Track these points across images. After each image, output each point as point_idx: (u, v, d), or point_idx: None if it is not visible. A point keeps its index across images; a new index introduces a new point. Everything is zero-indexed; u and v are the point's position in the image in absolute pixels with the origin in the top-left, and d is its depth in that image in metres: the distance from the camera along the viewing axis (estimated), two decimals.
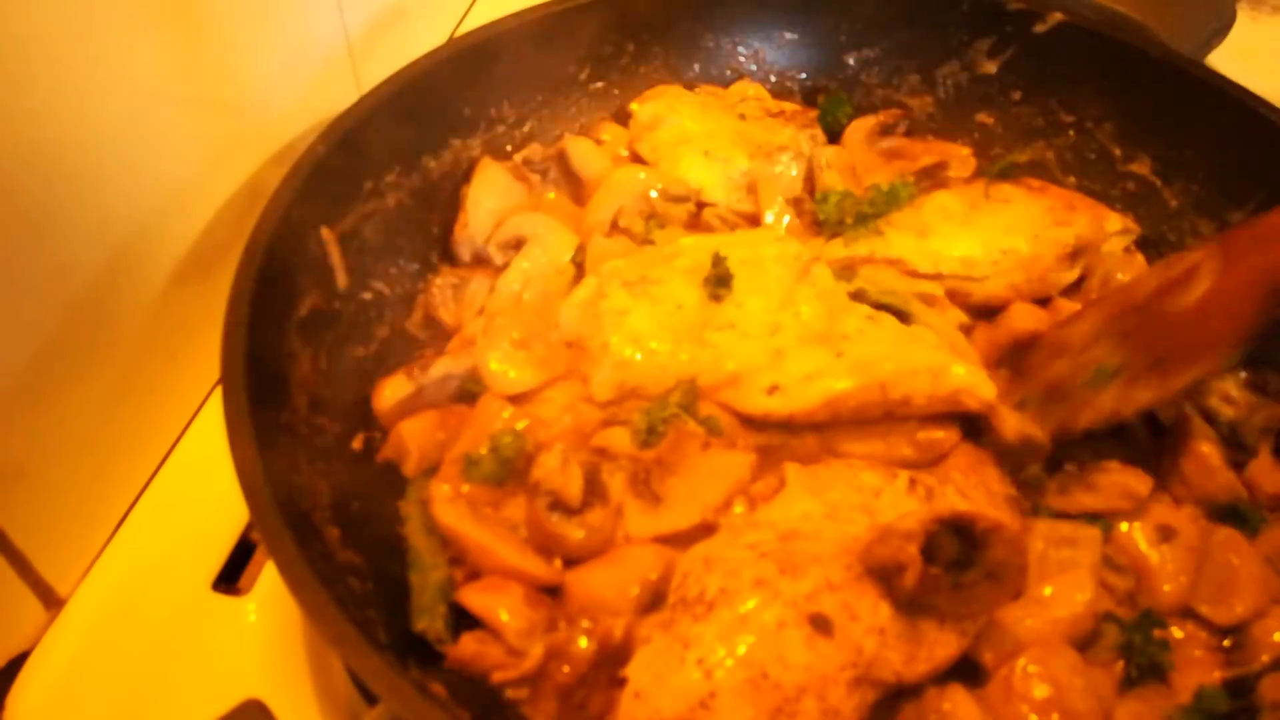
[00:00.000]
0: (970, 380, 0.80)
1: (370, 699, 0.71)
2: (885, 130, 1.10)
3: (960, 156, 1.08)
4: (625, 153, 1.06)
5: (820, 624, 0.64)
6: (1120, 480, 0.78)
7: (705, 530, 0.74)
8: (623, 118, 1.09)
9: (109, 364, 0.80)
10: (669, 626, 0.66)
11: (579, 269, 0.93)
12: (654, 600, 0.70)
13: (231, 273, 0.73)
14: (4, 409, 0.71)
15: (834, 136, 1.10)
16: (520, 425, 0.80)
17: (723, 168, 1.01)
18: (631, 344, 0.82)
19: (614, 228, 0.97)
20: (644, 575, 0.71)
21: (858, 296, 0.88)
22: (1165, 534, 0.76)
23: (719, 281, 0.85)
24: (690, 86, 1.12)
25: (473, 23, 1.29)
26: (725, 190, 1.01)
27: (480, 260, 0.96)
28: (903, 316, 0.87)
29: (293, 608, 0.73)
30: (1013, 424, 0.79)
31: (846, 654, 0.64)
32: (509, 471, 0.77)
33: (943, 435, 0.81)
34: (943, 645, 0.67)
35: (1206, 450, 0.80)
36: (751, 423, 0.81)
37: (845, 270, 0.92)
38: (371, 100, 0.89)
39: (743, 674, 0.62)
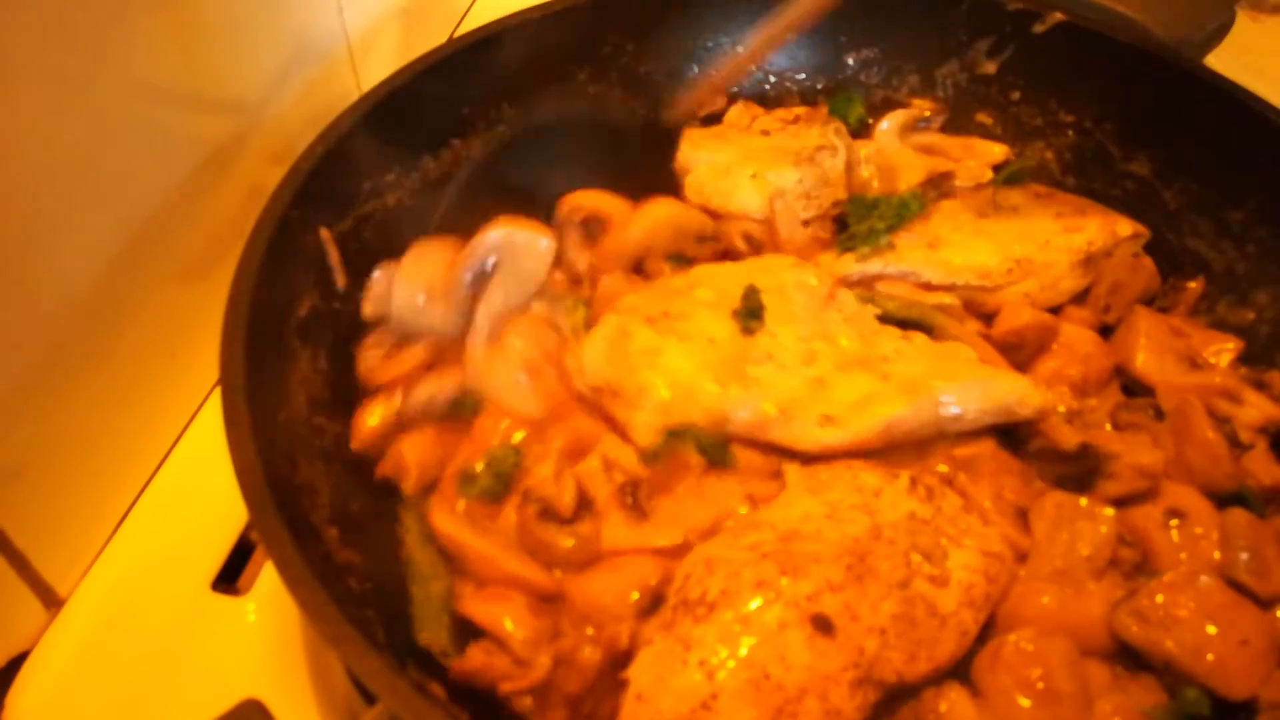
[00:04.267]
0: (1021, 389, 0.79)
1: (369, 699, 0.71)
2: (918, 125, 1.09)
3: (992, 154, 1.07)
4: None
5: (822, 624, 0.64)
6: (1133, 462, 0.77)
7: (685, 549, 0.73)
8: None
9: (109, 364, 0.81)
10: (670, 628, 0.66)
11: (589, 309, 0.88)
12: (655, 604, 0.70)
13: (231, 273, 0.73)
14: (4, 409, 0.71)
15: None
16: (518, 437, 0.79)
17: (775, 182, 0.98)
18: (672, 385, 0.78)
19: (636, 270, 0.93)
20: (644, 580, 0.70)
21: (881, 316, 0.87)
22: (1173, 515, 0.76)
23: (751, 314, 0.81)
24: (690, 87, 1.12)
25: (473, 23, 1.29)
26: (786, 205, 0.98)
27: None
28: (927, 332, 0.86)
29: (292, 608, 0.73)
30: (1067, 433, 0.79)
31: (848, 654, 0.64)
32: (506, 487, 0.76)
33: (979, 449, 0.80)
34: (943, 644, 0.67)
35: (1212, 438, 0.79)
36: (808, 458, 0.78)
37: (859, 288, 0.91)
38: (371, 100, 0.89)
39: (744, 675, 0.62)
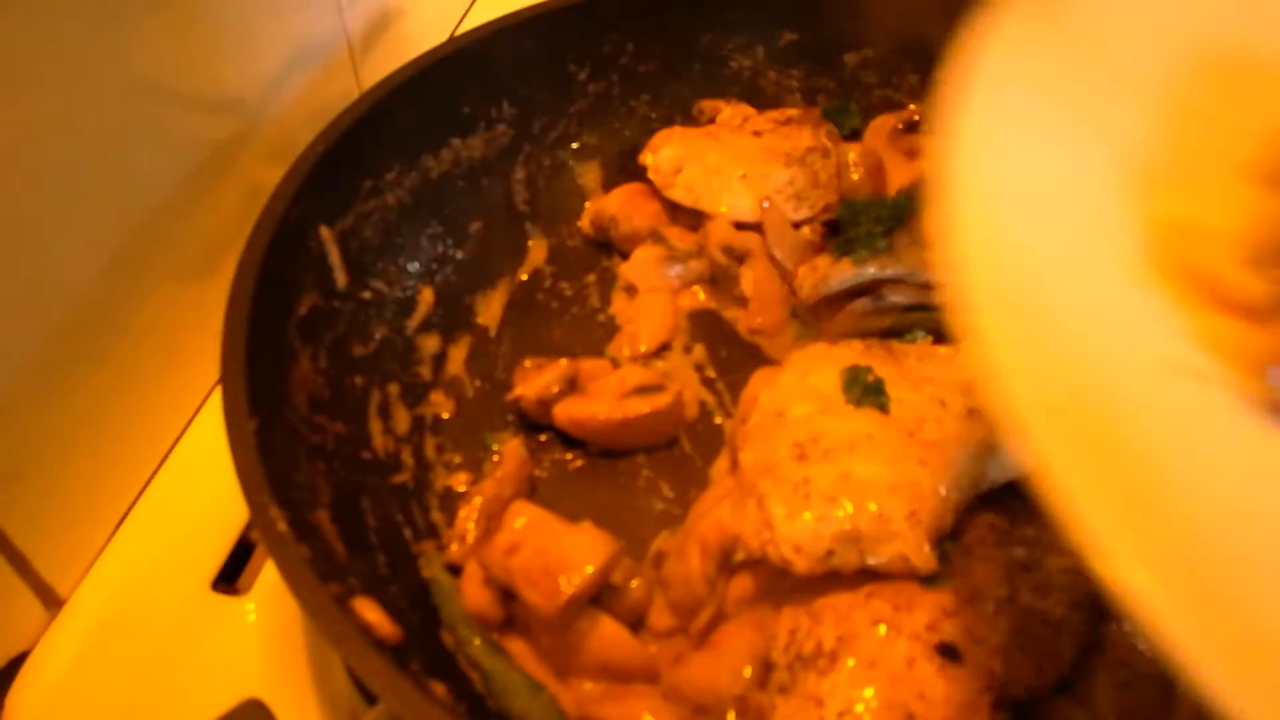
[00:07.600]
0: None
1: (370, 699, 0.71)
2: (908, 128, 1.09)
3: None
4: None
5: (949, 652, 0.63)
6: None
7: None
8: (624, 119, 1.09)
9: (109, 364, 0.80)
10: (791, 689, 0.63)
11: None
12: (767, 671, 0.66)
13: (231, 273, 0.73)
14: (4, 409, 0.71)
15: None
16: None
17: (765, 184, 0.99)
18: (861, 499, 0.67)
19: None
20: (754, 650, 0.67)
21: (893, 333, 0.87)
22: None
23: (869, 391, 0.74)
24: (690, 87, 1.12)
25: (473, 22, 1.29)
26: (775, 206, 0.99)
27: None
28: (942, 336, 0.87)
29: (292, 607, 0.73)
30: None
31: (981, 679, 0.62)
32: None
33: None
34: (1064, 651, 0.66)
35: None
36: None
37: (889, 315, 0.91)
38: (371, 99, 0.89)
39: (888, 718, 0.60)
